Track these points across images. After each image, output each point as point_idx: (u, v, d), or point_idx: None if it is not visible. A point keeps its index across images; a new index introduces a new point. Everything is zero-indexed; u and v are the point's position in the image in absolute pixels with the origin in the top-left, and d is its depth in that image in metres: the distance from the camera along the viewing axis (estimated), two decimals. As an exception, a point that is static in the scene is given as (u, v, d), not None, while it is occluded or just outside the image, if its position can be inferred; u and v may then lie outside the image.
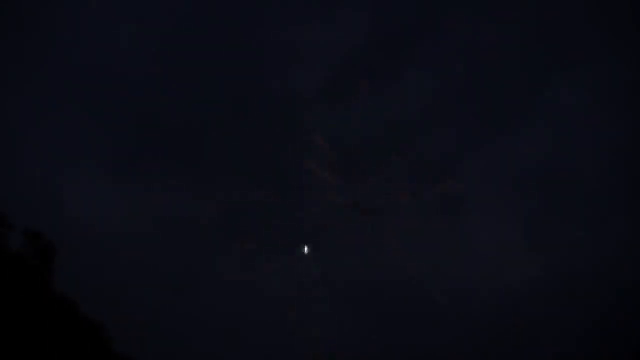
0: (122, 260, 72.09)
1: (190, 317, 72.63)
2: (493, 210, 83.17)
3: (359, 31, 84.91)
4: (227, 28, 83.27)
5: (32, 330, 42.15)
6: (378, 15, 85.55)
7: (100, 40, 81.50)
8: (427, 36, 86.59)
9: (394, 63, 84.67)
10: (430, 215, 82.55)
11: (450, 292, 78.24)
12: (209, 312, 73.70)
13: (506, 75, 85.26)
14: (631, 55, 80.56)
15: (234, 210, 79.93)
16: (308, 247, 78.44)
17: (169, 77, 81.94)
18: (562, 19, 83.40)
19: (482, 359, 72.88)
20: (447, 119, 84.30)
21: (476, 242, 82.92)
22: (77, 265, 56.64)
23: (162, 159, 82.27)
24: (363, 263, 79.57)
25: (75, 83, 79.49)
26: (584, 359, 68.26)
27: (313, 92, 79.63)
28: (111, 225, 73.85)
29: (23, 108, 75.80)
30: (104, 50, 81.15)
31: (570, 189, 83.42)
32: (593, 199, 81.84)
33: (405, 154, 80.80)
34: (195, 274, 77.82)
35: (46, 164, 76.74)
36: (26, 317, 42.40)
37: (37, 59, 77.73)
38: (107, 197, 77.76)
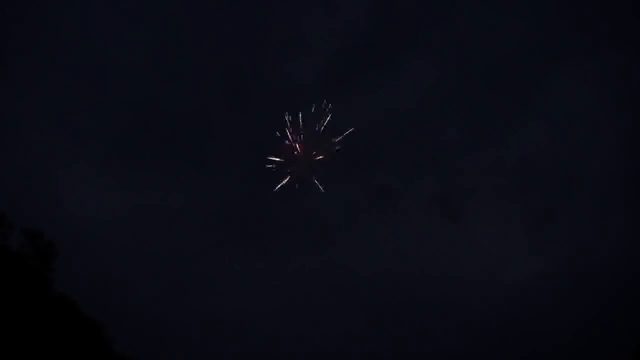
0: (122, 258, 72.18)
1: (191, 315, 72.81)
2: (494, 204, 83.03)
3: (360, 21, 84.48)
4: (226, 18, 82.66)
5: (32, 330, 42.18)
6: (379, 5, 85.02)
7: (99, 39, 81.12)
8: (428, 28, 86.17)
9: (394, 54, 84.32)
10: (431, 209, 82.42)
11: (450, 288, 78.26)
12: (209, 310, 73.83)
13: (507, 68, 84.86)
14: (633, 48, 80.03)
15: (233, 205, 79.82)
16: (308, 241, 78.38)
17: (166, 70, 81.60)
18: (563, 12, 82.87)
19: (481, 354, 72.98)
20: (448, 112, 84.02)
21: (477, 236, 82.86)
22: (77, 265, 56.69)
23: (160, 154, 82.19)
24: (363, 258, 79.53)
25: (72, 81, 79.27)
26: (584, 354, 68.26)
27: (313, 82, 79.14)
28: (111, 222, 73.90)
29: (22, 108, 75.61)
30: (103, 49, 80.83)
31: (571, 183, 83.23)
32: (594, 193, 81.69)
33: (406, 147, 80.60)
34: (195, 270, 77.89)
35: (45, 162, 76.75)
36: (26, 317, 42.44)
37: (35, 58, 77.48)
38: (106, 194, 77.73)
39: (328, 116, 57.68)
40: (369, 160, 79.13)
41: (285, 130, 59.05)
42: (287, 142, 59.12)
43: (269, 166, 59.72)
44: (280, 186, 59.33)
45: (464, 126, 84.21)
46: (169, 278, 75.74)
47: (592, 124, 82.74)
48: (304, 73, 79.09)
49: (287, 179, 59.02)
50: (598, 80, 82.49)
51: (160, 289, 74.30)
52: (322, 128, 58.28)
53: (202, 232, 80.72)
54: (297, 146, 59.30)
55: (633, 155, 77.73)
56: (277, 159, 59.06)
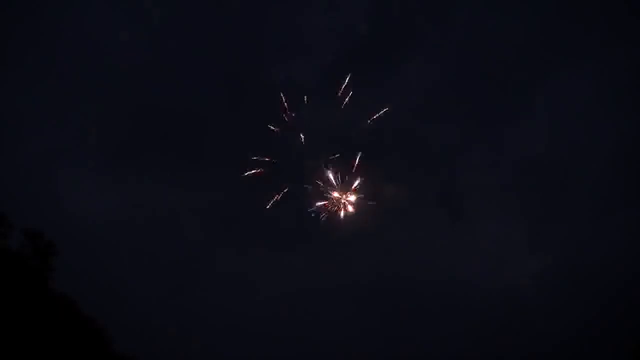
0: (121, 258, 72.20)
1: (190, 315, 72.80)
2: (494, 204, 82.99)
3: (360, 21, 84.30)
4: (225, 18, 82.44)
5: (32, 330, 42.23)
6: (378, 5, 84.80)
7: (99, 39, 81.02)
8: (428, 28, 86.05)
9: (394, 54, 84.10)
10: (431, 209, 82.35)
11: (450, 288, 78.25)
12: (209, 309, 73.83)
13: (507, 68, 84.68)
14: (633, 48, 79.97)
15: (233, 206, 79.70)
16: (308, 242, 78.22)
17: (165, 70, 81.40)
18: (563, 12, 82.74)
19: (481, 354, 73.01)
20: (448, 112, 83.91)
21: (477, 237, 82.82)
22: (77, 265, 56.70)
23: (159, 153, 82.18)
24: (363, 257, 79.47)
25: (72, 81, 79.16)
26: (584, 354, 68.31)
27: (313, 80, 78.82)
28: (111, 222, 73.86)
29: (22, 108, 75.57)
30: (102, 48, 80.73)
31: (571, 183, 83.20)
32: (594, 193, 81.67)
33: (406, 147, 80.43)
34: (194, 270, 77.87)
35: (45, 162, 76.74)
36: (26, 317, 42.48)
37: (35, 58, 77.40)
38: (106, 193, 77.75)
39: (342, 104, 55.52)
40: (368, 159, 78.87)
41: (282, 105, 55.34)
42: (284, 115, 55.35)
43: (250, 172, 56.49)
44: (275, 200, 56.51)
45: (464, 126, 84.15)
46: (169, 278, 75.78)
47: (592, 124, 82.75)
48: (304, 73, 78.94)
49: (285, 190, 57.15)
50: (598, 80, 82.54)
51: (161, 289, 74.32)
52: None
53: (202, 232, 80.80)
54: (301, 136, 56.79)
55: (633, 155, 77.71)
56: (266, 159, 56.59)
